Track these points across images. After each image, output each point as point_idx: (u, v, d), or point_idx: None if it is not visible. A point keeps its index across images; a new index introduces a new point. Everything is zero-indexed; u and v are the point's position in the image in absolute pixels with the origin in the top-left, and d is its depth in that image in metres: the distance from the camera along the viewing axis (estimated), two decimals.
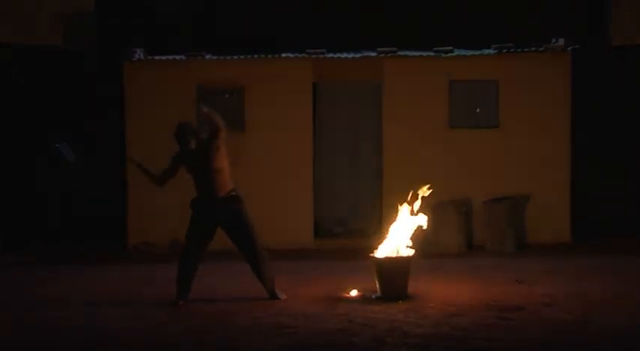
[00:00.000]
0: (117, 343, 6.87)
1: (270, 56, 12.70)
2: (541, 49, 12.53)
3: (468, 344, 6.58)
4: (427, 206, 8.80)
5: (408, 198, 8.61)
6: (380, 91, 12.70)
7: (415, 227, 8.57)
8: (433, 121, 12.58)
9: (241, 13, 13.58)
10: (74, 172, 12.12)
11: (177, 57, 12.81)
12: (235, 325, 7.34)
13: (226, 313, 7.80)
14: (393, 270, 8.38)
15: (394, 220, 8.67)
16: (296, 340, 6.77)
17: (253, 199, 12.36)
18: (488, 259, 11.13)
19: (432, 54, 12.65)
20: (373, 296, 8.36)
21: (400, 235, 8.56)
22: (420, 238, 8.72)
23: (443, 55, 12.62)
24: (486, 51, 12.71)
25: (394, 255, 8.46)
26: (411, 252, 8.51)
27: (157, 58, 12.81)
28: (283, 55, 12.74)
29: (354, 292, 8.56)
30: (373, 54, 12.71)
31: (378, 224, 11.96)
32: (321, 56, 12.68)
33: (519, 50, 12.57)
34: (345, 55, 12.74)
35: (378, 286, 8.38)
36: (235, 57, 12.71)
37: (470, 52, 12.70)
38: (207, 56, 12.77)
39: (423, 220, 8.58)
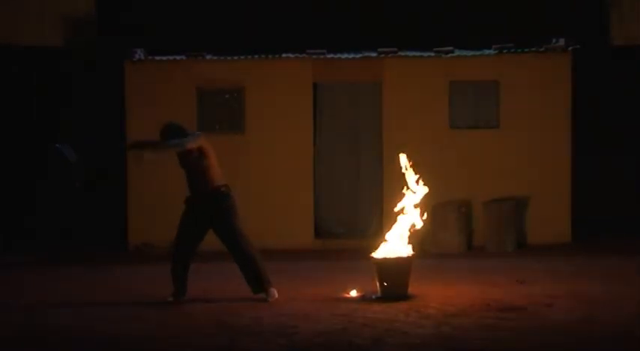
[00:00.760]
0: (117, 343, 6.86)
1: (270, 57, 12.71)
2: (541, 49, 12.55)
3: (468, 344, 6.58)
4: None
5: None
6: (380, 91, 12.71)
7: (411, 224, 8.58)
8: (433, 121, 12.59)
9: (242, 14, 13.57)
10: (75, 172, 12.09)
11: (178, 57, 12.81)
12: (236, 326, 7.32)
13: (227, 314, 7.78)
14: (393, 270, 8.38)
15: (394, 220, 8.68)
16: (297, 340, 6.76)
17: (254, 200, 12.49)
18: (488, 260, 11.12)
19: (432, 54, 12.66)
20: (373, 296, 8.35)
21: (399, 235, 8.57)
22: (419, 238, 8.72)
23: (443, 56, 12.63)
24: (487, 51, 12.72)
25: (394, 255, 8.46)
26: (411, 252, 8.51)
27: (157, 58, 12.82)
28: (283, 55, 12.75)
29: (354, 293, 8.55)
30: (373, 54, 12.72)
31: (378, 225, 11.98)
32: (322, 57, 12.70)
33: (520, 50, 12.58)
34: (345, 55, 12.75)
35: (378, 286, 8.38)
36: (235, 57, 12.71)
37: (470, 53, 12.71)
38: (208, 56, 12.78)
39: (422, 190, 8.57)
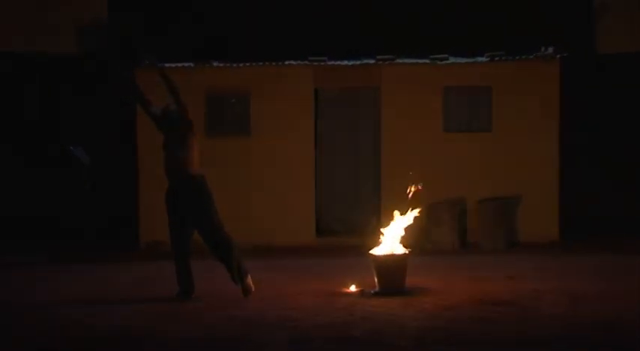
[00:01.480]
0: (128, 338, 6.87)
1: (274, 64, 12.71)
2: (531, 57, 12.55)
3: (462, 336, 6.59)
4: (421, 203, 8.81)
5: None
6: (378, 96, 12.71)
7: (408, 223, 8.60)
8: (429, 125, 12.59)
9: (247, 24, 13.59)
10: (87, 173, 12.15)
11: (186, 64, 12.82)
12: (241, 319, 7.33)
13: (232, 308, 7.79)
14: (390, 266, 8.39)
15: (392, 220, 8.69)
16: (299, 333, 6.76)
17: (258, 199, 12.51)
18: (481, 257, 11.14)
19: (427, 61, 12.66)
20: (372, 291, 8.36)
21: (397, 233, 8.59)
22: (416, 236, 8.74)
23: (438, 63, 12.63)
24: (479, 59, 12.71)
25: (392, 252, 8.48)
26: (407, 249, 8.53)
27: (166, 65, 12.81)
28: (287, 62, 12.74)
29: (353, 288, 8.56)
30: (372, 61, 12.72)
31: (376, 223, 11.99)
32: (323, 63, 12.70)
33: (511, 58, 12.58)
34: (345, 62, 12.75)
35: (376, 281, 8.40)
36: (241, 64, 12.72)
37: (464, 60, 12.70)
38: (215, 63, 12.79)
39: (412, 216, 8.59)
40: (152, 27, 13.55)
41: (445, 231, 11.81)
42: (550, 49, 12.42)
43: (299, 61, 12.73)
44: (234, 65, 12.73)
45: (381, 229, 8.73)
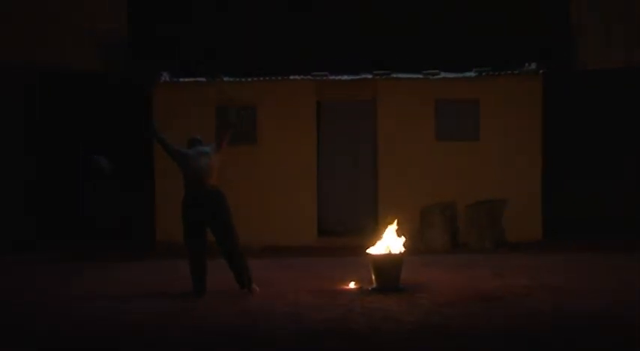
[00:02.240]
0: (141, 328, 6.81)
1: (279, 78, 12.68)
2: (516, 72, 12.54)
3: (453, 330, 6.53)
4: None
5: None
6: (375, 108, 12.66)
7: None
8: (422, 134, 12.55)
9: (254, 42, 13.57)
10: (108, 181, 12.06)
11: (199, 79, 12.79)
12: (248, 315, 7.26)
13: (238, 304, 7.72)
14: (387, 265, 8.31)
15: (388, 224, 8.61)
16: (302, 327, 6.71)
17: (264, 202, 12.44)
18: (471, 256, 11.07)
19: (420, 76, 12.64)
20: (370, 288, 8.29)
21: (394, 235, 8.51)
22: (411, 238, 8.65)
23: (430, 77, 12.61)
24: (468, 74, 12.69)
25: (388, 252, 8.39)
26: (403, 249, 8.44)
27: (181, 80, 12.80)
28: (291, 77, 12.73)
29: (352, 285, 8.50)
30: (369, 76, 12.69)
31: (374, 224, 11.92)
32: (324, 78, 12.67)
33: (497, 73, 12.56)
34: (344, 77, 12.72)
35: (374, 279, 8.31)
36: (249, 79, 12.69)
37: (454, 75, 12.69)
38: (225, 78, 12.75)
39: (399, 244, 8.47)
40: (168, 45, 13.52)
41: (437, 232, 11.73)
42: (533, 65, 12.43)
43: (302, 76, 12.71)
44: (243, 79, 12.68)
45: (380, 230, 8.64)
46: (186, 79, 12.80)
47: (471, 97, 12.53)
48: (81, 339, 6.54)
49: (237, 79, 12.71)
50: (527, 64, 12.49)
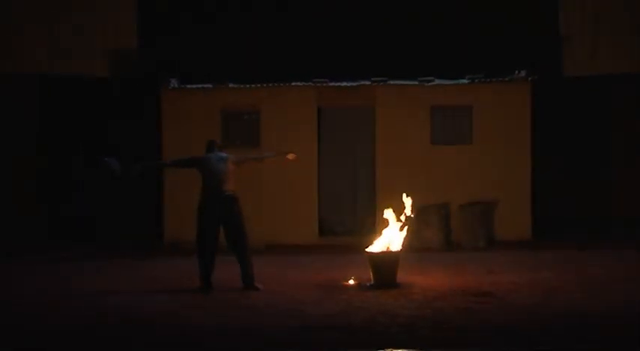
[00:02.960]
0: (152, 321, 6.90)
1: (281, 85, 12.72)
2: (507, 79, 12.56)
3: (447, 324, 6.59)
4: (413, 209, 8.81)
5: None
6: (373, 113, 12.70)
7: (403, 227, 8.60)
8: (417, 138, 12.57)
9: (258, 50, 13.63)
10: (119, 182, 12.11)
11: (205, 85, 12.85)
12: (252, 309, 7.32)
13: (243, 299, 7.78)
14: (384, 262, 8.38)
15: (386, 222, 8.69)
16: (304, 321, 6.76)
17: (267, 203, 12.49)
18: (463, 254, 11.11)
19: (416, 83, 12.66)
20: (368, 284, 8.34)
21: (391, 234, 8.58)
22: (407, 236, 8.74)
23: (425, 84, 12.64)
24: (461, 81, 12.71)
25: (385, 250, 8.47)
26: (399, 247, 8.51)
27: (188, 86, 12.86)
28: (293, 83, 12.75)
29: (351, 281, 8.55)
30: (367, 83, 12.72)
31: (372, 224, 11.99)
32: (324, 84, 12.70)
33: (489, 80, 12.59)
34: (344, 83, 12.75)
35: (371, 276, 8.38)
36: (253, 85, 12.74)
37: (448, 82, 12.71)
38: (230, 85, 12.81)
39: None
40: (175, 53, 13.57)
41: (432, 231, 11.78)
42: (523, 73, 12.45)
43: (304, 83, 12.73)
44: (247, 86, 12.73)
45: (377, 230, 8.71)
46: (193, 86, 12.88)
47: (464, 103, 12.57)
48: (100, 328, 6.66)
49: (242, 86, 12.77)
50: (517, 72, 12.53)
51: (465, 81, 12.69)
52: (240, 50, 13.66)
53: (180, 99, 12.69)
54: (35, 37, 12.46)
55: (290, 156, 8.81)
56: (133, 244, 12.38)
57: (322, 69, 12.87)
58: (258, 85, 12.72)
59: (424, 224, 11.75)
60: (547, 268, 9.45)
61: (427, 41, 13.38)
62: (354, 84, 12.73)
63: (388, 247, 8.48)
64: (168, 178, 12.47)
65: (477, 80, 12.61)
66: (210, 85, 12.81)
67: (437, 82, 12.67)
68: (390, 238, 8.55)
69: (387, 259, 8.39)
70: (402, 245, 8.54)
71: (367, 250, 8.49)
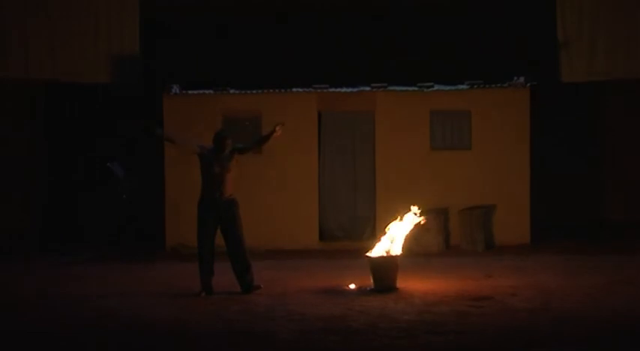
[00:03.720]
0: (153, 326, 6.92)
1: (282, 90, 12.74)
2: (505, 85, 12.57)
3: (446, 328, 6.61)
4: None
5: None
6: (373, 118, 12.70)
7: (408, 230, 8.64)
8: (417, 143, 12.56)
9: (258, 56, 13.64)
10: (122, 186, 12.17)
11: (207, 91, 12.86)
12: (252, 313, 7.34)
13: (244, 304, 7.79)
14: (384, 267, 8.40)
15: (388, 226, 8.71)
16: (304, 325, 6.78)
17: (268, 208, 12.48)
18: (463, 258, 11.12)
19: (415, 88, 12.65)
20: (368, 289, 8.36)
21: (391, 238, 8.60)
22: (407, 240, 8.76)
23: (425, 90, 12.64)
24: (460, 86, 12.71)
25: (385, 254, 8.48)
26: (399, 252, 8.53)
27: (189, 92, 12.88)
28: (293, 89, 12.75)
29: (352, 286, 8.56)
30: (367, 88, 12.71)
31: (372, 229, 12.00)
32: (325, 90, 12.70)
33: (488, 86, 12.59)
34: (344, 89, 12.75)
35: (372, 280, 8.40)
36: (254, 91, 12.76)
37: (447, 87, 12.70)
38: (231, 90, 12.83)
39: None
40: (176, 59, 13.60)
41: (432, 236, 11.77)
42: (521, 79, 12.45)
43: (304, 88, 12.73)
44: (248, 92, 12.75)
45: (377, 234, 8.74)
46: (195, 91, 12.90)
47: (463, 109, 12.57)
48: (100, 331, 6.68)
49: (243, 92, 12.78)
50: (515, 78, 12.54)
51: (464, 87, 12.69)
52: (241, 56, 13.68)
53: (182, 105, 12.70)
54: (37, 42, 12.48)
55: (278, 128, 8.66)
56: (133, 248, 12.38)
57: (323, 75, 12.87)
58: (259, 91, 12.73)
59: (424, 228, 11.74)
60: (546, 272, 9.47)
61: (426, 47, 13.39)
62: (355, 89, 12.74)
63: (388, 252, 8.50)
64: (169, 180, 12.48)
65: (476, 86, 12.62)
66: (211, 91, 12.82)
67: (436, 87, 12.66)
68: (392, 240, 8.56)
69: (386, 263, 8.41)
70: (402, 249, 8.56)
71: (367, 254, 8.51)
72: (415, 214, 8.70)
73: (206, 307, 7.69)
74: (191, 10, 13.73)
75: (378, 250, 8.54)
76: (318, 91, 12.68)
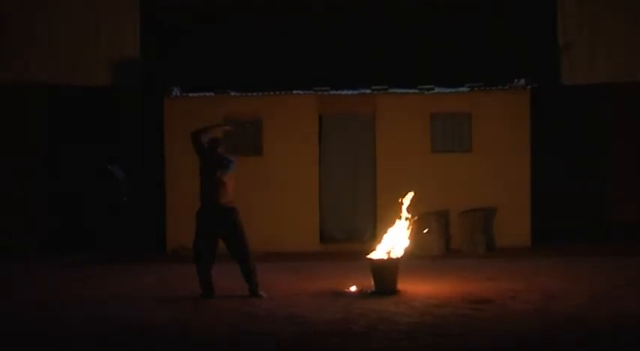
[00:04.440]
0: (152, 328, 6.91)
1: (283, 93, 12.75)
2: (506, 87, 12.58)
3: (447, 330, 6.61)
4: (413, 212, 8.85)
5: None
6: (374, 121, 12.73)
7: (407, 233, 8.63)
8: (417, 146, 12.58)
9: (259, 58, 13.66)
10: (123, 188, 12.16)
11: (207, 94, 12.87)
12: (253, 316, 7.33)
13: (245, 306, 7.79)
14: (385, 269, 8.40)
15: (388, 228, 8.70)
16: (305, 328, 6.78)
17: (269, 211, 12.49)
18: (463, 260, 11.12)
19: (416, 91, 12.68)
20: (369, 291, 8.36)
21: (392, 240, 8.60)
22: (408, 243, 8.75)
23: (425, 92, 12.66)
24: (461, 89, 12.73)
25: (386, 257, 8.48)
26: (400, 254, 8.53)
27: (190, 94, 12.89)
28: (294, 92, 12.77)
29: (353, 288, 8.56)
30: (368, 91, 12.74)
31: (372, 231, 12.00)
32: (325, 93, 12.72)
33: (488, 88, 12.61)
34: (344, 92, 12.77)
35: (372, 282, 8.39)
36: (255, 94, 12.77)
37: (447, 90, 12.73)
38: (232, 93, 12.84)
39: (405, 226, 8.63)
40: (177, 62, 13.61)
41: (433, 238, 11.78)
42: (522, 81, 12.47)
43: (305, 91, 12.75)
44: (248, 94, 12.76)
45: (378, 237, 8.74)
46: (195, 94, 12.91)
47: (464, 111, 12.59)
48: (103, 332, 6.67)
49: (244, 94, 12.79)
50: (516, 80, 12.55)
51: (464, 89, 12.71)
52: (241, 59, 13.69)
53: (183, 107, 12.71)
54: (37, 45, 12.50)
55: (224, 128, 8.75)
56: (134, 251, 12.37)
57: (323, 78, 12.88)
58: (260, 94, 12.74)
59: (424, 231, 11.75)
60: (546, 274, 9.47)
61: (427, 50, 13.40)
62: (355, 92, 12.75)
63: (389, 254, 8.50)
64: (169, 183, 12.48)
65: (476, 88, 12.64)
66: (212, 94, 12.84)
67: (437, 90, 12.69)
68: (393, 242, 8.55)
69: (387, 266, 8.41)
70: (403, 252, 8.55)
71: (368, 257, 8.50)
72: (407, 218, 8.66)
73: (206, 310, 7.68)
74: (192, 12, 13.74)
75: (378, 253, 8.53)
76: (319, 93, 12.70)
